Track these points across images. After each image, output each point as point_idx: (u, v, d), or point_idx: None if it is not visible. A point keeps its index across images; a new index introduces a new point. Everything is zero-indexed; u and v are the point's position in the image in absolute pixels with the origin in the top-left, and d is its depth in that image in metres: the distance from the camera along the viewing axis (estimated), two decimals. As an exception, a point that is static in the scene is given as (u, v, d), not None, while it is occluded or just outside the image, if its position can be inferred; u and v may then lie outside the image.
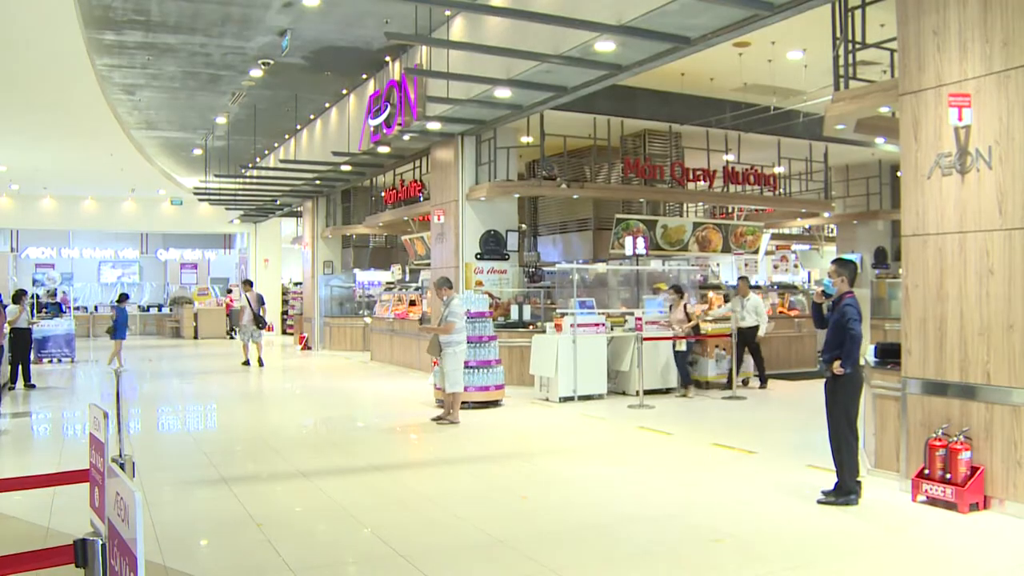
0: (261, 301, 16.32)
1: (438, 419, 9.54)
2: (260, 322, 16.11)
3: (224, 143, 19.75)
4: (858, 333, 5.72)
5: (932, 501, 5.67)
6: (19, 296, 13.37)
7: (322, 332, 21.44)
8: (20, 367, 12.89)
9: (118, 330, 15.39)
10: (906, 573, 4.52)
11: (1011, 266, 5.42)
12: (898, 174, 6.79)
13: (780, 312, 15.14)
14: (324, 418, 10.60)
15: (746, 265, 20.01)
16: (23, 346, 12.94)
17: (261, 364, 16.08)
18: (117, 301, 16.00)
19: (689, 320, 11.40)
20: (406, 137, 13.57)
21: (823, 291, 6.07)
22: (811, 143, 16.38)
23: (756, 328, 11.87)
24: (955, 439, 5.63)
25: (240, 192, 21.71)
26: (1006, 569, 4.53)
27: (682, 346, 11.22)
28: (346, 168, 17.21)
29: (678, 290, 11.64)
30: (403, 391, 12.61)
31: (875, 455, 6.59)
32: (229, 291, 27.71)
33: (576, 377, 10.85)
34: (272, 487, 6.76)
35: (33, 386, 12.87)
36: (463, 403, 10.39)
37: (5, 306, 14.46)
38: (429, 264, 15.64)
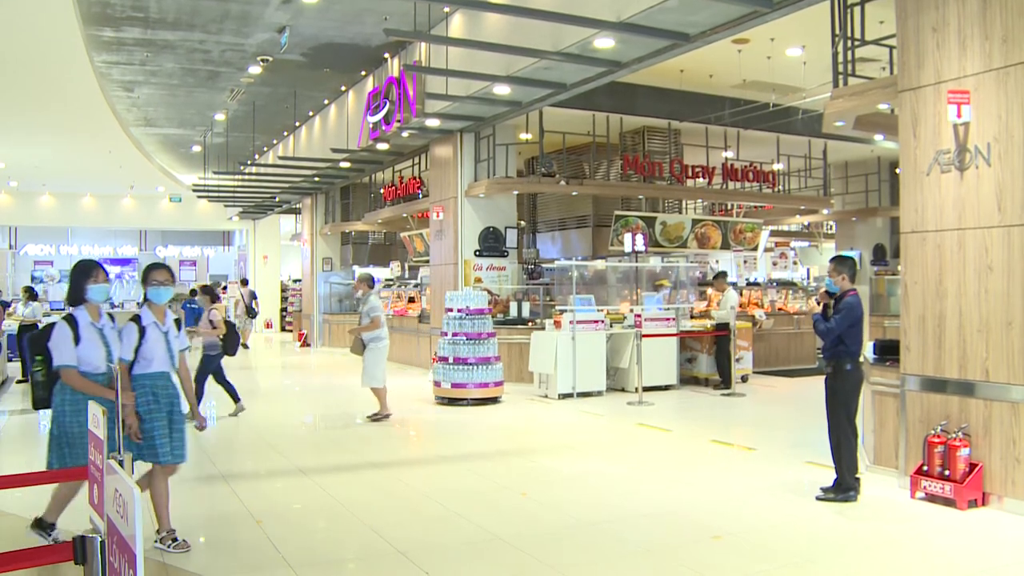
0: (253, 296, 20.40)
1: (373, 416, 9.46)
2: (251, 312, 20.03)
3: (223, 140, 19.72)
4: (837, 329, 5.73)
5: (931, 498, 5.67)
6: (34, 294, 13.53)
7: (321, 329, 21.44)
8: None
9: None
10: (905, 570, 4.53)
11: (1010, 263, 5.42)
12: (897, 171, 6.80)
13: (780, 309, 15.15)
14: (323, 415, 10.61)
15: (745, 262, 20.04)
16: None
17: (246, 346, 19.47)
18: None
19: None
20: (405, 134, 13.55)
21: (826, 290, 6.06)
22: (810, 140, 16.36)
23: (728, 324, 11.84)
24: (954, 436, 5.63)
25: (239, 189, 21.67)
26: (1004, 565, 4.54)
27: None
28: (345, 165, 17.19)
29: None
30: (402, 388, 12.61)
31: (874, 452, 6.60)
32: (225, 288, 27.94)
33: (575, 374, 10.85)
34: (271, 484, 6.76)
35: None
36: (462, 400, 10.42)
37: (6, 304, 14.49)
38: (428, 261, 15.64)
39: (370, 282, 9.99)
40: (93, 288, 4.67)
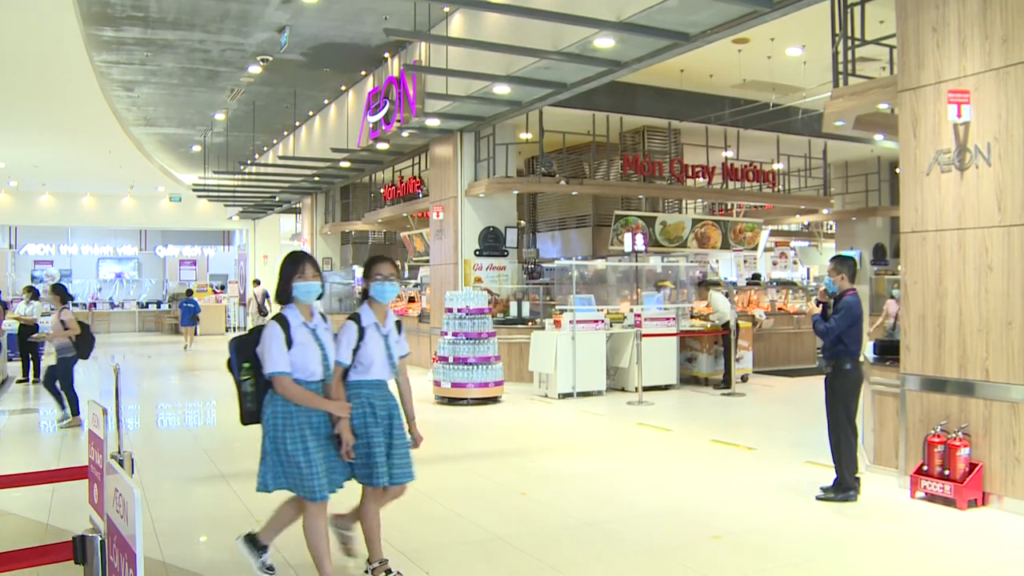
0: (266, 295, 20.77)
1: None
2: (263, 311, 20.40)
3: (223, 140, 19.72)
4: (837, 328, 5.73)
5: (931, 497, 5.67)
6: (36, 293, 13.56)
7: (321, 329, 21.43)
8: (32, 363, 13.00)
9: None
10: (905, 569, 4.53)
11: (1010, 263, 5.42)
12: (897, 171, 6.80)
13: (780, 309, 15.15)
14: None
15: (745, 262, 20.05)
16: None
17: None
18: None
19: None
20: (405, 134, 13.55)
21: (825, 289, 6.07)
22: (810, 139, 16.37)
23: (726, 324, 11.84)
24: (954, 436, 5.63)
25: (239, 189, 21.68)
26: (1004, 565, 4.54)
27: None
28: (345, 165, 17.20)
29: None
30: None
31: (874, 451, 6.60)
32: (223, 287, 28.04)
33: (575, 374, 10.85)
34: (271, 484, 6.75)
35: (38, 381, 12.93)
36: (462, 400, 10.42)
37: (5, 304, 14.50)
38: (428, 261, 15.64)
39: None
40: (299, 286, 4.01)
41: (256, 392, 4.04)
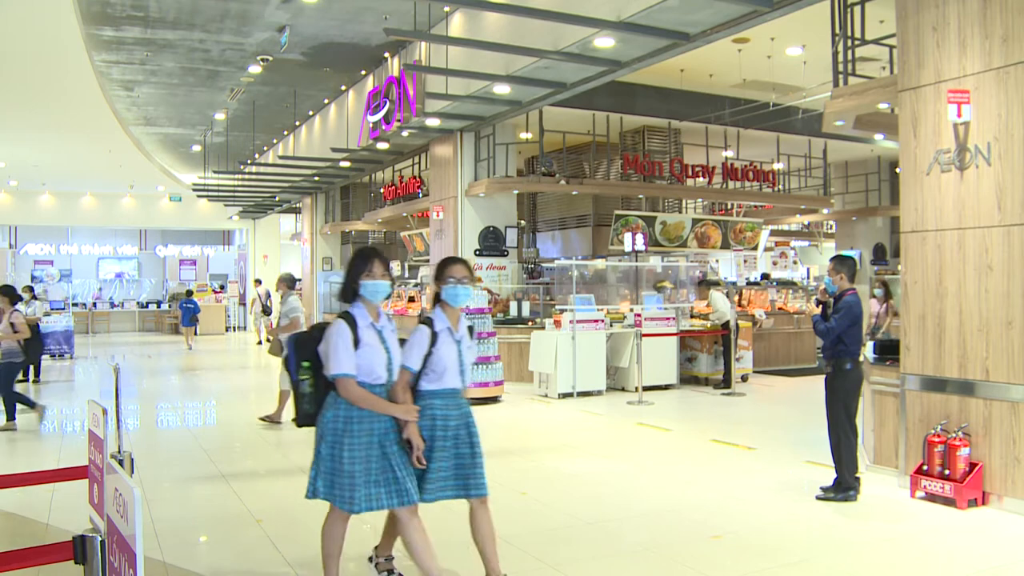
0: (268, 295, 21.15)
1: (266, 418, 9.15)
2: (266, 310, 20.69)
3: (223, 139, 19.72)
4: (837, 328, 5.73)
5: (931, 497, 5.68)
6: (34, 293, 13.61)
7: (321, 328, 21.47)
8: (32, 363, 13.02)
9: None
10: (905, 569, 4.53)
11: (1010, 262, 5.42)
12: (897, 170, 6.80)
13: (780, 309, 15.16)
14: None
15: (745, 261, 20.06)
16: (35, 342, 13.12)
17: (261, 343, 20.22)
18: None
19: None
20: (405, 133, 13.55)
21: (824, 288, 6.06)
22: (810, 139, 16.37)
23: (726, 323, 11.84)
24: (954, 435, 5.63)
25: (239, 188, 21.69)
26: (1004, 565, 4.54)
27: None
28: (345, 164, 17.20)
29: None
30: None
31: (874, 451, 6.60)
32: (222, 287, 28.10)
33: (575, 373, 10.85)
34: (271, 483, 6.76)
35: (38, 381, 12.97)
36: (462, 399, 10.40)
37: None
38: (428, 260, 15.64)
39: (291, 282, 9.76)
40: (366, 284, 3.79)
41: (315, 393, 3.83)
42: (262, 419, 9.22)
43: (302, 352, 3.82)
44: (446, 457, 3.95)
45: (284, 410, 9.00)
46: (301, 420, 3.90)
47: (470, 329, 4.13)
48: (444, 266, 4.04)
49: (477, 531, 4.05)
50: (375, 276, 3.80)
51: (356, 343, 3.69)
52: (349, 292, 3.85)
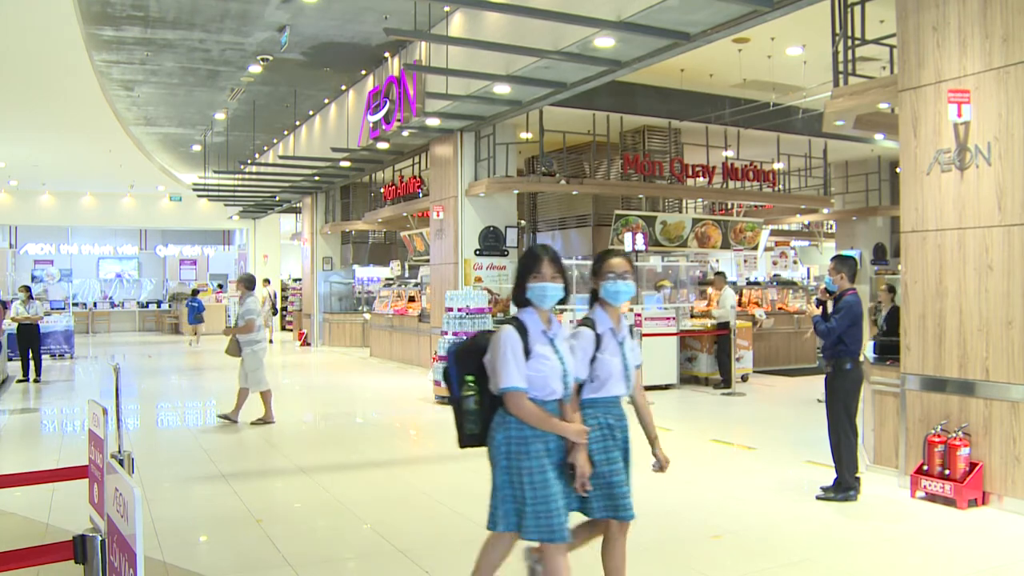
0: (275, 295, 22.30)
1: (258, 421, 9.20)
2: (276, 310, 21.43)
3: (223, 139, 19.72)
4: (837, 328, 5.73)
5: (931, 497, 5.68)
6: (30, 293, 13.70)
7: (321, 328, 21.45)
8: (32, 362, 13.07)
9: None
10: (905, 569, 4.53)
11: (1010, 262, 5.42)
12: (897, 170, 6.80)
13: (780, 309, 15.16)
14: (323, 414, 10.60)
15: (745, 261, 20.05)
16: (35, 341, 13.21)
17: (272, 342, 20.48)
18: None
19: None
20: (405, 133, 13.55)
21: (825, 288, 6.06)
22: (810, 139, 16.35)
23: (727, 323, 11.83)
24: (954, 435, 5.63)
25: (239, 188, 21.68)
26: (1004, 565, 4.54)
27: None
28: (345, 164, 17.18)
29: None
30: (403, 387, 12.62)
31: (874, 451, 6.60)
32: (221, 286, 28.14)
33: (575, 373, 10.82)
34: (272, 483, 6.76)
35: (38, 381, 12.99)
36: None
37: (6, 304, 14.52)
38: (428, 260, 15.64)
39: (249, 283, 9.69)
40: (533, 287, 3.33)
41: (480, 411, 3.37)
42: (220, 416, 9.30)
43: (465, 364, 3.37)
44: (622, 470, 3.62)
45: (241, 410, 9.17)
46: (464, 441, 3.45)
47: (631, 328, 3.74)
48: (602, 260, 3.62)
49: (610, 559, 3.68)
50: (544, 278, 3.32)
51: (527, 353, 3.24)
52: (518, 296, 3.39)
